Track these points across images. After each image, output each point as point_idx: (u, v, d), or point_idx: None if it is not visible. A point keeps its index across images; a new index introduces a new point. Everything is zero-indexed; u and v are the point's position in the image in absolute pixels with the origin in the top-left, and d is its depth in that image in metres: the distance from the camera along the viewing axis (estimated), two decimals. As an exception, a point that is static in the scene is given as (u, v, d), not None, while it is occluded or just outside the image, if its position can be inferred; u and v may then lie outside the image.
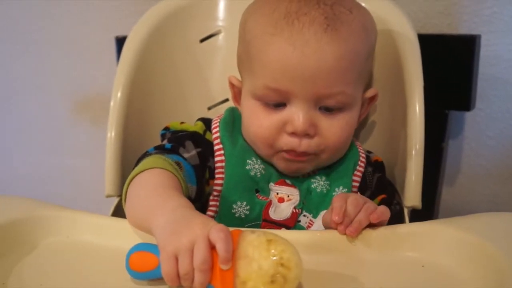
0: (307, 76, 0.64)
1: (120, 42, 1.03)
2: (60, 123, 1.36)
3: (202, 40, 0.90)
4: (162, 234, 0.51)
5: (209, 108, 0.90)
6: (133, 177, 0.63)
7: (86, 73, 1.29)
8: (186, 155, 0.69)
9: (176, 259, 0.49)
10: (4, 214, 0.64)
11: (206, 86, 0.90)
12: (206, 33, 0.90)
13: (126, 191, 0.64)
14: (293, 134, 0.66)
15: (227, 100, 0.89)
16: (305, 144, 0.67)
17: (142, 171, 0.63)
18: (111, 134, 0.78)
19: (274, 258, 0.47)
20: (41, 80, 1.34)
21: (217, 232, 0.48)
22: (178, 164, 0.66)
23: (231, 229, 0.50)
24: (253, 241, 0.49)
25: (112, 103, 0.79)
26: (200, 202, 0.70)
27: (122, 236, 0.60)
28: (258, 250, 0.48)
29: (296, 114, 0.66)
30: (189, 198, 0.67)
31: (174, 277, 0.49)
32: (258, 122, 0.68)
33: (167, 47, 0.87)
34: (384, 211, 0.59)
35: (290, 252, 0.48)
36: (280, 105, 0.67)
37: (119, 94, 0.79)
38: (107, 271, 0.57)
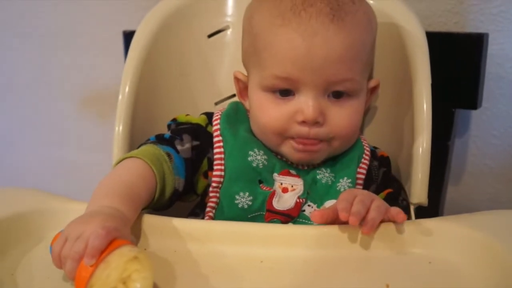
0: (316, 66, 0.65)
1: (128, 36, 1.03)
2: (68, 117, 1.36)
3: (210, 36, 0.90)
4: (75, 219, 0.55)
5: (216, 103, 0.91)
6: (121, 160, 0.67)
7: (93, 67, 1.29)
8: (179, 147, 0.71)
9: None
10: (12, 206, 0.64)
11: (214, 82, 0.90)
12: (214, 29, 0.90)
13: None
14: (303, 123, 0.68)
15: (234, 95, 0.88)
16: (314, 132, 0.68)
17: (128, 157, 0.67)
18: (119, 128, 0.78)
19: (122, 273, 0.48)
20: (48, 74, 1.34)
21: (99, 230, 0.50)
22: (168, 155, 0.69)
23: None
24: (122, 251, 0.50)
25: (120, 98, 0.79)
26: (196, 194, 0.73)
27: (130, 228, 0.60)
28: (118, 262, 0.49)
29: (306, 103, 0.67)
30: (176, 190, 0.69)
31: (56, 256, 0.52)
32: (268, 113, 0.70)
33: (175, 42, 0.87)
34: (400, 211, 0.60)
35: (142, 277, 0.48)
36: (288, 94, 0.68)
37: (127, 89, 0.79)
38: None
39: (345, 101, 0.69)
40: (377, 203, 0.60)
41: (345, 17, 0.66)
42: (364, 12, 0.70)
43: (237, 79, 0.77)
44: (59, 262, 0.52)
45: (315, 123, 0.67)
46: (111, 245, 0.50)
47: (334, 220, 0.60)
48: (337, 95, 0.69)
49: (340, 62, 0.66)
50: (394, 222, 0.60)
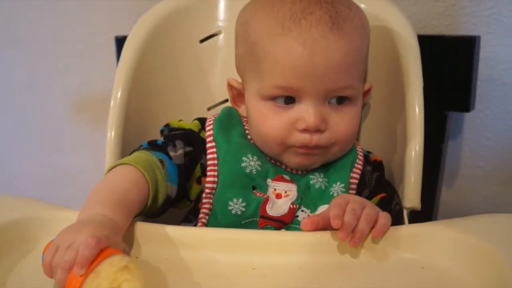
0: (318, 74, 0.66)
1: (120, 42, 1.03)
2: (60, 123, 1.36)
3: (202, 41, 0.90)
4: (66, 227, 0.55)
5: (209, 109, 0.91)
6: (114, 166, 0.67)
7: (85, 73, 1.29)
8: (172, 153, 0.71)
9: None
10: (4, 214, 0.64)
11: (206, 87, 0.90)
12: (206, 34, 0.90)
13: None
14: (305, 130, 0.68)
15: (227, 100, 0.88)
16: (316, 139, 0.68)
17: (120, 164, 0.66)
18: (111, 134, 0.78)
19: (112, 283, 0.48)
20: (40, 79, 1.34)
21: (89, 239, 0.50)
22: (161, 161, 0.68)
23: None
24: (113, 261, 0.49)
25: (112, 103, 0.79)
26: (189, 200, 0.73)
27: (122, 236, 0.60)
28: (108, 271, 0.48)
29: (307, 111, 0.67)
30: (169, 196, 0.69)
31: (47, 265, 0.52)
32: (268, 123, 0.69)
33: (167, 47, 0.87)
34: (386, 223, 0.59)
35: (131, 286, 0.48)
36: (289, 102, 0.68)
37: (119, 94, 0.79)
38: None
39: (345, 107, 0.70)
40: (368, 211, 0.60)
41: (343, 25, 0.66)
42: (359, 18, 0.70)
43: (230, 86, 0.76)
44: (50, 271, 0.52)
45: (317, 130, 0.68)
46: (102, 254, 0.50)
47: (325, 226, 0.60)
48: (337, 102, 0.69)
49: (340, 70, 0.66)
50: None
